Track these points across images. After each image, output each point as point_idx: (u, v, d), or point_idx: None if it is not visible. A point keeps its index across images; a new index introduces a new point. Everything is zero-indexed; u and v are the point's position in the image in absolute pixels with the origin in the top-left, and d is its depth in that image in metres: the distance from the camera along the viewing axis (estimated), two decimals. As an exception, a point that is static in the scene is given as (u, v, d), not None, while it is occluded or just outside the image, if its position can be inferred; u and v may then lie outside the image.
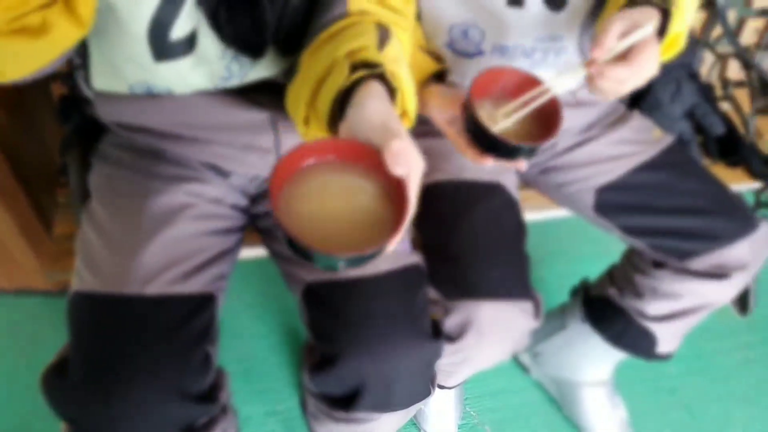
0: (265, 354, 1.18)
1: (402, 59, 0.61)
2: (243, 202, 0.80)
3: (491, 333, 0.75)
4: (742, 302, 1.36)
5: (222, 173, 0.76)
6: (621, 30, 0.61)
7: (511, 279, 0.77)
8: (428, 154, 0.80)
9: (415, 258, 0.74)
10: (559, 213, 1.06)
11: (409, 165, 0.47)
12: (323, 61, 0.57)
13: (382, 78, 0.56)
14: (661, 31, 0.65)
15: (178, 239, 0.69)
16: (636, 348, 0.98)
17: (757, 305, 1.36)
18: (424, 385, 0.72)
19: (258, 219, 0.81)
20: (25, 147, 0.94)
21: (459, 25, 0.77)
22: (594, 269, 1.15)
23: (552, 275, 1.35)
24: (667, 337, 0.95)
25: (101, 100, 0.70)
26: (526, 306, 0.77)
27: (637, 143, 0.90)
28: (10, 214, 0.95)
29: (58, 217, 0.94)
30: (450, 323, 0.75)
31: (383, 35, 0.60)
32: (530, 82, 0.68)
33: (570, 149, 0.91)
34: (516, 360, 1.21)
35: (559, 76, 0.65)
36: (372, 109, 0.51)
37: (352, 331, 0.68)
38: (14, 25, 0.50)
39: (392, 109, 0.53)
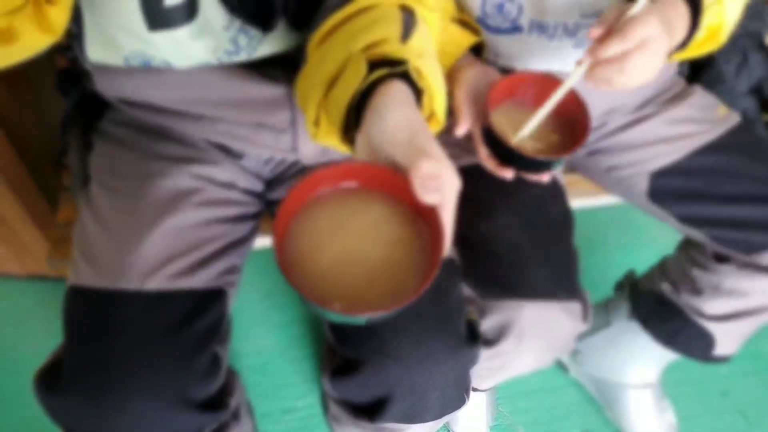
0: (283, 347, 1.11)
1: (429, 51, 0.52)
2: (257, 186, 0.72)
3: (533, 337, 0.67)
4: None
5: (232, 154, 0.68)
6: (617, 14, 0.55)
7: (557, 276, 0.68)
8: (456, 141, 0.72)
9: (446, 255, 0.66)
10: (607, 200, 0.96)
11: (444, 190, 0.39)
12: (336, 55, 0.49)
13: (406, 76, 0.47)
14: (693, 25, 0.59)
15: (183, 228, 0.62)
16: (691, 349, 0.88)
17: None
18: (457, 394, 0.64)
19: (274, 205, 0.74)
20: (29, 125, 0.88)
21: None
22: (639, 260, 1.05)
23: (592, 266, 1.25)
24: (727, 339, 0.86)
25: (99, 72, 0.63)
26: (574, 307, 0.68)
27: (699, 122, 0.80)
28: (17, 198, 0.90)
29: (62, 201, 0.88)
30: (487, 325, 0.67)
31: (408, 22, 0.51)
32: (554, 84, 0.61)
33: (622, 129, 0.81)
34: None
35: (572, 75, 0.59)
36: (396, 119, 0.43)
37: (378, 335, 0.60)
38: None
39: (420, 117, 0.44)
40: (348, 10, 0.51)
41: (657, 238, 1.28)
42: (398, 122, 0.42)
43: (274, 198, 0.73)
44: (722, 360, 0.89)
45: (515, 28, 0.70)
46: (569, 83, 0.59)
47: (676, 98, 0.82)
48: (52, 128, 0.96)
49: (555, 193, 0.73)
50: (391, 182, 0.41)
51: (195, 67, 0.60)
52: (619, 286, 1.02)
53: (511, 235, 0.68)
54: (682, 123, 0.80)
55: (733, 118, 0.81)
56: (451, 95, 0.66)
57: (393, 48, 0.48)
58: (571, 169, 0.90)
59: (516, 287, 0.66)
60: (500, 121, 0.62)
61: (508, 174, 0.63)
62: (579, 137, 0.61)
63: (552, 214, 0.71)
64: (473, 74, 0.67)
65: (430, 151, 0.40)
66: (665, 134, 0.80)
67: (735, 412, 1.12)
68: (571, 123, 0.63)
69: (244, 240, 0.70)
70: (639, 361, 0.99)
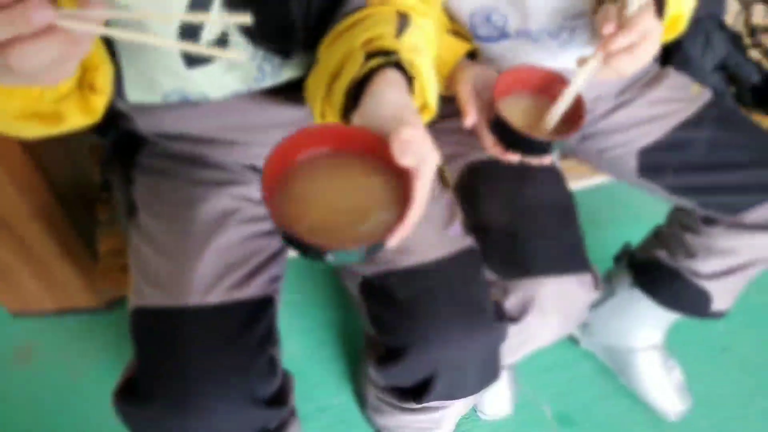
0: (312, 350, 1.17)
1: (422, 48, 0.59)
2: None
3: (554, 309, 0.74)
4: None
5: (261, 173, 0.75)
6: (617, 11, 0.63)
7: (569, 252, 0.75)
8: (466, 133, 0.79)
9: (468, 241, 0.73)
10: (598, 180, 1.04)
11: (420, 156, 0.45)
12: (339, 53, 0.56)
13: (400, 67, 0.54)
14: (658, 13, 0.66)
15: (231, 245, 0.68)
16: (691, 308, 0.97)
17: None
18: (493, 369, 0.72)
19: None
20: (60, 165, 0.93)
21: (479, 11, 0.76)
22: (634, 234, 1.13)
23: (592, 242, 1.33)
24: (723, 295, 0.94)
25: (138, 111, 0.69)
26: (586, 278, 0.75)
27: (676, 101, 0.88)
28: (50, 235, 0.95)
29: (102, 234, 0.94)
30: (510, 303, 0.74)
31: (402, 23, 0.59)
32: (553, 78, 0.70)
33: (608, 114, 0.89)
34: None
35: (580, 72, 0.66)
36: (387, 98, 0.50)
37: (416, 321, 0.67)
38: (27, 112, 0.50)
39: (409, 99, 0.51)
40: (356, 16, 0.59)
41: (648, 211, 1.36)
42: (389, 101, 0.50)
43: None
44: (720, 315, 0.97)
45: (502, 36, 0.78)
46: (586, 73, 0.66)
47: (653, 81, 0.90)
48: (82, 166, 1.01)
49: (557, 178, 0.81)
50: (375, 146, 0.47)
51: (228, 96, 0.66)
52: (618, 259, 1.10)
53: (524, 219, 0.75)
54: (660, 103, 0.88)
55: (706, 94, 0.89)
56: (455, 93, 0.73)
57: (388, 42, 0.55)
58: (566, 155, 0.98)
59: (534, 266, 0.73)
60: (507, 110, 0.69)
61: (514, 158, 0.70)
62: (576, 121, 0.68)
63: (557, 198, 0.79)
64: (473, 73, 0.74)
65: (412, 122, 0.47)
66: (647, 115, 0.88)
67: (736, 365, 1.20)
68: (567, 109, 0.70)
69: (281, 251, 0.76)
70: (644, 324, 1.07)
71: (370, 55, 0.53)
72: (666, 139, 0.86)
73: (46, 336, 1.16)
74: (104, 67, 0.53)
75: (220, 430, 0.61)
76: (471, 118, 0.71)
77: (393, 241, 0.45)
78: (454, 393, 0.71)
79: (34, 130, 0.53)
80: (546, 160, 0.71)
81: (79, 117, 0.53)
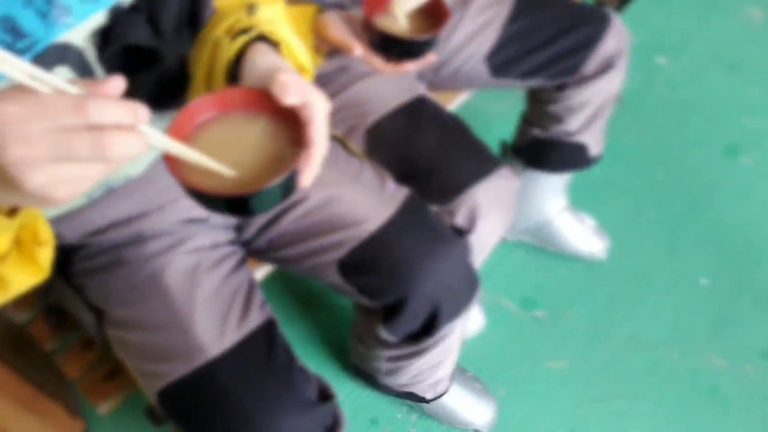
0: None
1: (278, 20, 0.63)
2: (231, 234, 0.81)
3: (494, 208, 0.85)
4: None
5: (200, 221, 0.77)
6: None
7: (483, 157, 0.86)
8: (354, 104, 0.86)
9: (404, 190, 0.81)
10: (458, 101, 1.17)
11: (302, 95, 0.46)
12: (205, 52, 0.59)
13: (264, 39, 0.57)
14: None
15: (212, 293, 0.70)
16: (577, 163, 1.14)
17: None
18: (473, 277, 0.81)
19: (250, 244, 0.83)
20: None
21: None
22: (505, 132, 1.29)
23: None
24: (594, 141, 1.12)
25: (60, 221, 0.67)
26: (504, 171, 0.87)
27: (493, 5, 1.01)
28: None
29: (64, 360, 0.89)
30: (460, 220, 0.84)
31: (251, 8, 0.62)
32: None
33: (446, 40, 1.01)
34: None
35: None
36: (259, 62, 0.52)
37: (401, 271, 0.74)
38: None
39: (281, 60, 0.54)
40: (209, 21, 0.61)
41: (505, 109, 1.53)
42: (262, 62, 0.52)
43: (248, 237, 0.83)
44: (598, 159, 1.15)
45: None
46: None
47: (464, -1, 1.03)
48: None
49: (440, 108, 0.91)
50: (256, 98, 0.48)
51: (147, 167, 0.67)
52: (504, 154, 1.25)
53: (438, 151, 0.85)
54: (482, 11, 1.01)
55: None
56: (328, 41, 0.76)
57: (245, 22, 0.58)
58: (430, 89, 1.09)
59: (464, 181, 0.83)
60: (382, 26, 0.73)
61: (409, 67, 0.75)
62: (442, 15, 0.74)
63: (450, 123, 0.89)
64: (334, 17, 0.77)
65: (287, 68, 0.49)
66: (477, 25, 1.00)
67: (621, 191, 1.43)
68: (428, 9, 0.76)
69: (252, 278, 0.79)
70: (549, 195, 1.23)
71: (234, 37, 0.56)
72: (502, 39, 0.99)
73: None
74: (40, 212, 0.51)
75: None
76: (357, 48, 0.74)
77: (306, 180, 0.47)
78: (457, 310, 0.80)
79: None
80: (431, 57, 0.76)
81: (24, 277, 0.50)
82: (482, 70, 1.01)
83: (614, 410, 1.16)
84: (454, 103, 1.18)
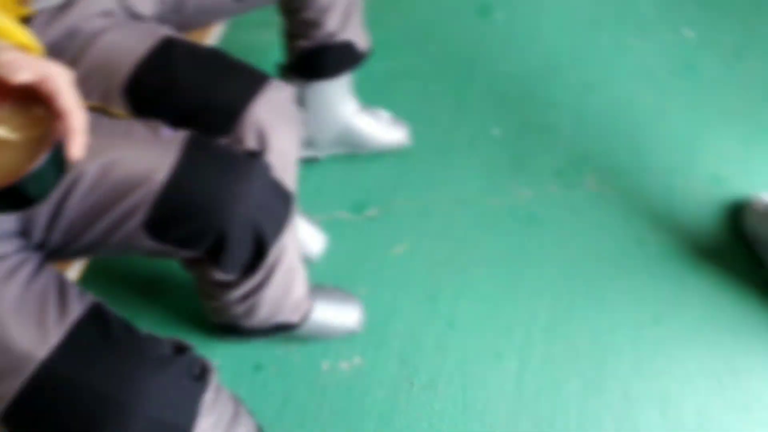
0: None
1: None
2: (17, 243, 0.75)
3: (280, 121, 0.87)
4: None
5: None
6: None
7: (250, 76, 0.87)
8: (97, 67, 0.82)
9: (182, 133, 0.79)
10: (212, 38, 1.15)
11: (35, 71, 0.44)
12: None
13: None
14: None
15: (17, 302, 0.66)
16: (350, 61, 1.19)
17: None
18: (284, 190, 0.83)
19: (45, 246, 0.78)
20: None
21: None
22: (276, 57, 1.30)
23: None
24: (357, 36, 1.17)
25: None
26: (275, 82, 0.88)
27: None
28: None
29: None
30: (251, 144, 0.85)
31: None
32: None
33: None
34: (302, 161, 1.37)
35: None
36: None
37: (209, 212, 0.74)
38: None
39: (4, 42, 0.50)
40: None
41: (266, 37, 1.53)
42: None
43: (36, 241, 0.77)
44: (368, 52, 1.21)
45: None
46: None
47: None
48: None
49: (190, 43, 0.88)
50: None
51: None
52: (282, 75, 1.26)
53: (203, 82, 0.84)
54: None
55: None
56: None
57: None
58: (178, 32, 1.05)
59: (239, 103, 0.84)
60: None
61: None
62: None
63: (207, 52, 0.88)
64: None
65: (6, 48, 0.47)
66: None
67: (403, 76, 1.52)
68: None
69: (61, 274, 0.75)
70: (338, 100, 1.28)
71: None
72: None
73: None
74: None
75: (163, 400, 0.64)
76: None
77: (75, 151, 0.45)
78: (278, 228, 0.82)
79: None
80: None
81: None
82: (225, -4, 1.00)
83: (459, 266, 1.29)
84: (210, 39, 1.16)
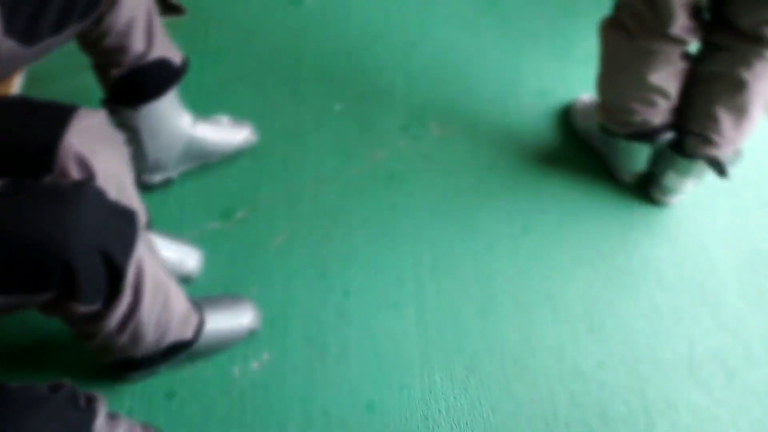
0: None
1: None
2: None
3: (99, 143, 0.86)
4: None
5: None
6: None
7: (56, 109, 0.86)
8: None
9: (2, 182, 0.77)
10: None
11: None
12: None
13: None
14: None
15: None
16: (173, 76, 1.19)
17: None
18: (125, 209, 0.83)
19: None
20: None
21: None
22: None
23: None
24: (169, 51, 1.17)
25: None
26: (82, 110, 0.87)
27: None
28: None
29: None
30: (74, 174, 0.83)
31: None
32: None
33: None
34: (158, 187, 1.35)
35: None
36: None
37: (43, 244, 0.73)
38: None
39: None
40: None
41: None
42: None
43: None
44: (186, 64, 1.22)
45: None
46: None
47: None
48: None
49: None
50: None
51: None
52: (109, 111, 1.24)
53: (9, 127, 0.82)
54: None
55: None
56: None
57: None
58: None
59: (49, 140, 0.82)
60: None
61: None
62: None
63: (6, 99, 0.86)
64: None
65: None
66: None
67: (235, 78, 1.54)
68: None
69: None
70: (172, 118, 1.27)
71: None
72: (8, 3, 0.95)
73: None
74: None
75: None
76: None
77: None
78: (127, 246, 0.82)
79: None
80: None
81: None
82: (11, 45, 0.97)
83: (339, 238, 1.33)
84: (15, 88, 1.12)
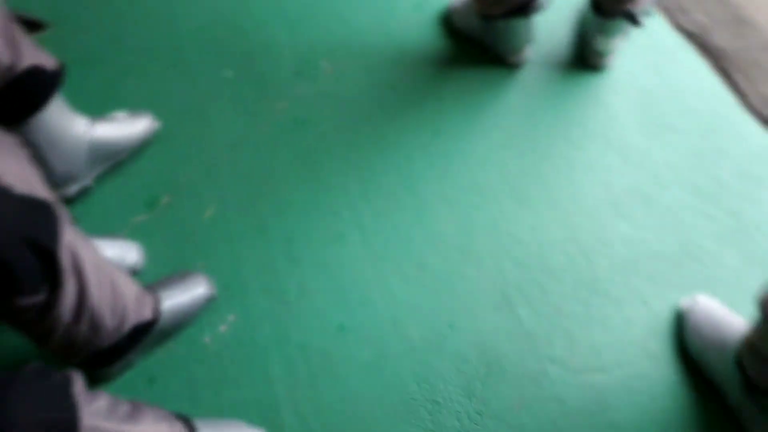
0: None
1: None
2: None
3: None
4: None
5: None
6: None
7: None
8: None
9: None
10: None
11: None
12: None
13: None
14: None
15: None
16: (51, 82, 1.18)
17: None
18: (32, 199, 0.85)
19: None
20: None
21: None
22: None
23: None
24: (37, 56, 1.16)
25: None
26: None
27: None
28: None
29: None
30: None
31: None
32: None
33: None
34: (76, 198, 1.35)
35: None
36: None
37: None
38: None
39: None
40: None
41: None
42: None
43: None
44: (62, 69, 1.20)
45: None
46: None
47: None
48: None
49: None
50: None
51: None
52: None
53: None
54: None
55: None
56: None
57: None
58: None
59: None
60: None
61: None
62: None
63: None
64: None
65: None
66: None
67: (129, 74, 1.53)
68: None
69: None
70: (66, 123, 1.25)
71: None
72: None
73: None
74: None
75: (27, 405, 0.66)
76: None
77: None
78: (50, 231, 0.82)
79: None
80: None
81: None
82: None
83: (268, 193, 1.37)
84: None
